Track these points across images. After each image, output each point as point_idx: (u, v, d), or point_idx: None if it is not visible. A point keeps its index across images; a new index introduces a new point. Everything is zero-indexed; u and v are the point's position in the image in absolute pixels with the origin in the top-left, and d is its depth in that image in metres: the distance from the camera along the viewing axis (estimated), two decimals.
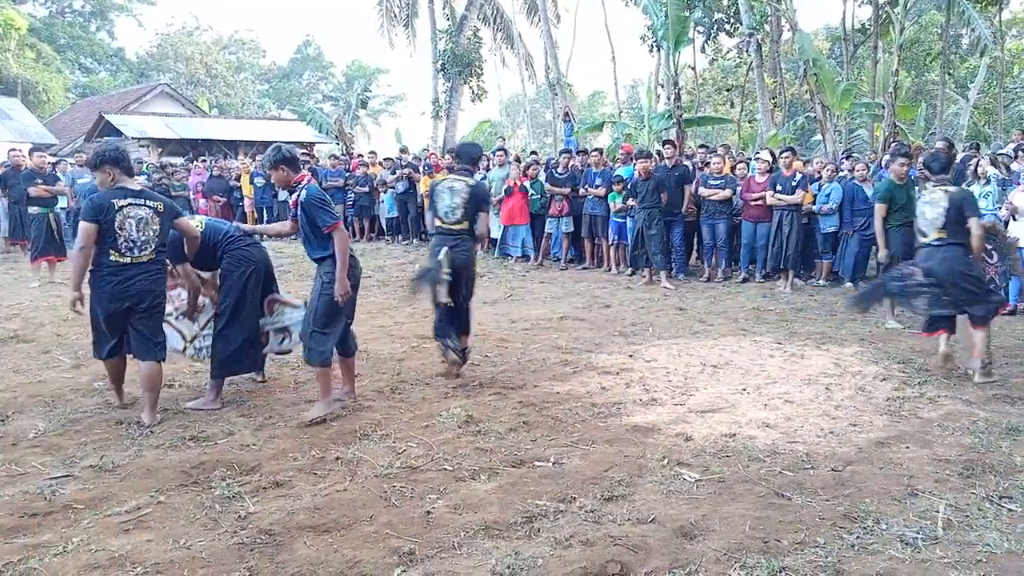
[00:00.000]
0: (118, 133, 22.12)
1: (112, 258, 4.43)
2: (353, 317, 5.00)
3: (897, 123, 14.30)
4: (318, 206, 4.55)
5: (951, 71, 21.52)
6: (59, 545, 3.07)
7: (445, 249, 5.31)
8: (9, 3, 32.82)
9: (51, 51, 36.20)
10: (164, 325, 4.80)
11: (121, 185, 4.55)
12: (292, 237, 5.72)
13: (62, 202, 11.75)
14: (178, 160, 16.46)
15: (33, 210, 10.13)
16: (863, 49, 21.22)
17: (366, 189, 14.60)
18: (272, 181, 4.96)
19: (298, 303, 5.21)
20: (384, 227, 15.01)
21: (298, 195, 4.61)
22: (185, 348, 5.09)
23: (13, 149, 12.11)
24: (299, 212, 4.62)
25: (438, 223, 5.52)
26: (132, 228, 4.45)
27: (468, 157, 5.81)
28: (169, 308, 4.91)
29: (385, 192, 14.55)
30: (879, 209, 7.09)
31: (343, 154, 19.00)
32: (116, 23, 44.08)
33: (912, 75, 21.94)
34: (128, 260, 4.46)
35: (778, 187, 9.44)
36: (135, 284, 4.47)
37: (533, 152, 17.23)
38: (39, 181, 10.30)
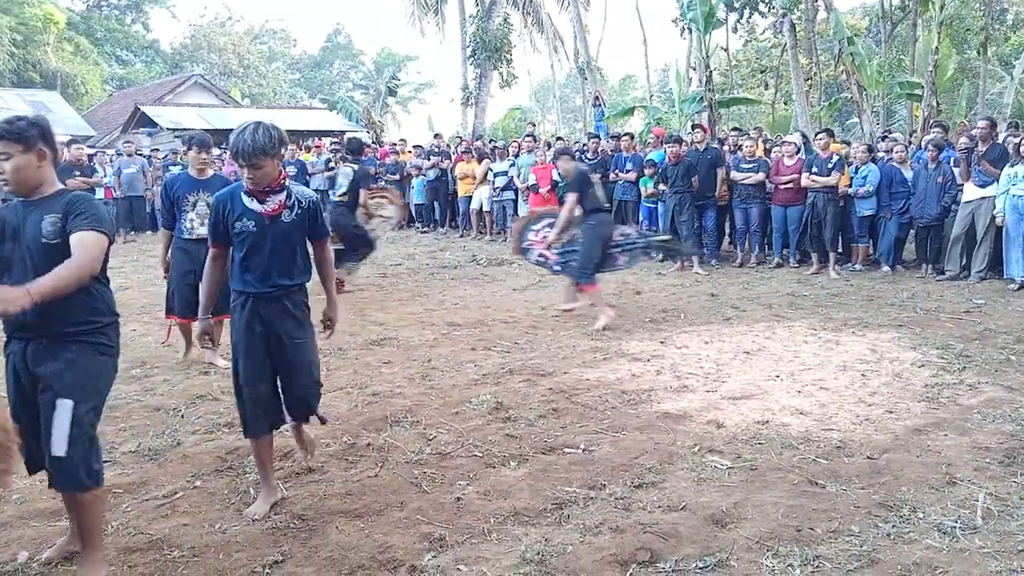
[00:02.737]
0: (153, 124, 22.49)
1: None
2: None
3: (938, 102, 13.90)
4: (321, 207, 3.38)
5: (991, 46, 20.76)
6: None
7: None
8: None
9: (88, 44, 36.94)
10: None
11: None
12: None
13: (99, 193, 12.00)
14: (214, 151, 16.75)
15: None
16: (903, 27, 20.65)
17: (396, 177, 14.66)
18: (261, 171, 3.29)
19: None
20: (414, 214, 15.08)
21: (290, 195, 3.26)
22: None
23: None
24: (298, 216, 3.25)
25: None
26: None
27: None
28: None
29: (416, 179, 14.60)
30: None
31: (373, 142, 19.08)
32: (151, 15, 44.78)
33: (954, 52, 21.26)
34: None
35: (814, 168, 9.27)
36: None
37: (560, 138, 17.09)
38: (77, 173, 10.53)
